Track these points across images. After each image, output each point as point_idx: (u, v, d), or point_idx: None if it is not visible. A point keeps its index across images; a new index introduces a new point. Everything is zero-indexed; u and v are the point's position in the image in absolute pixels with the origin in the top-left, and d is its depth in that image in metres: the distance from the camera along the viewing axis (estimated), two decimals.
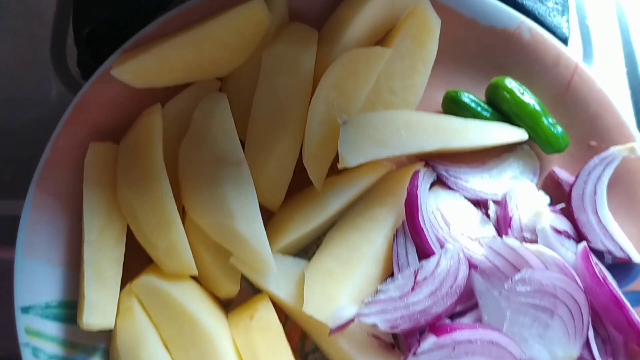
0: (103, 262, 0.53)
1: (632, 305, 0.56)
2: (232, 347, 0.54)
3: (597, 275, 0.55)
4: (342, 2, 0.62)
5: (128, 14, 0.63)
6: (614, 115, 0.61)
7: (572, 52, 0.63)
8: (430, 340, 0.51)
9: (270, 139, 0.58)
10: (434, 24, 0.61)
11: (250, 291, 0.59)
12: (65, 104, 0.59)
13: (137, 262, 0.57)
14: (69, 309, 0.55)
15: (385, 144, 0.56)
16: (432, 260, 0.55)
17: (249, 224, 0.53)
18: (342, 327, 0.53)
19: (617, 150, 0.59)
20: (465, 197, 0.60)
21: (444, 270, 0.54)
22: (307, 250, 0.60)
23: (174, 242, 0.53)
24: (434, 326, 0.53)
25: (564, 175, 0.62)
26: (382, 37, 0.63)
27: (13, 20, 0.72)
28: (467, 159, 0.62)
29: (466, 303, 0.57)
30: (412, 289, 0.53)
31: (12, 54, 0.69)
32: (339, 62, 0.57)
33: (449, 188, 0.61)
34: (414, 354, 0.51)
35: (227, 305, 0.58)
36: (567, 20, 0.70)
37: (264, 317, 0.54)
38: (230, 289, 0.57)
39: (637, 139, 0.60)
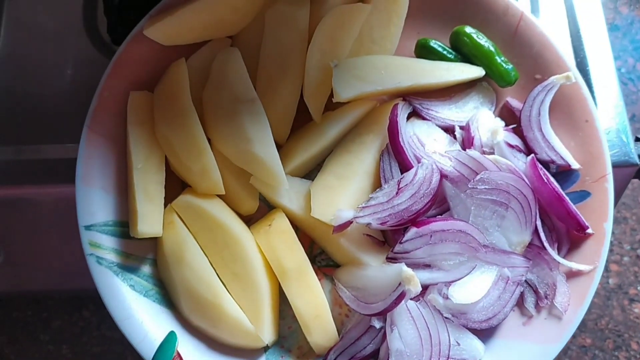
0: (149, 184, 0.66)
1: (573, 203, 0.70)
2: (256, 248, 0.67)
3: (542, 177, 0.69)
4: None
5: None
6: (553, 52, 0.75)
7: (517, 3, 0.77)
8: (412, 231, 0.65)
9: (276, 83, 0.71)
10: None
11: (266, 210, 0.72)
12: (98, 65, 0.72)
13: (172, 193, 0.69)
14: (122, 227, 0.68)
15: (370, 81, 0.70)
16: (411, 172, 0.68)
17: (265, 148, 0.66)
18: (343, 226, 0.67)
19: (555, 79, 0.72)
20: (437, 125, 0.74)
21: (420, 178, 0.67)
22: (310, 174, 0.73)
23: (205, 165, 0.66)
24: (415, 221, 0.67)
25: (516, 103, 0.76)
26: None
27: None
28: (437, 95, 0.76)
29: (440, 208, 0.71)
30: (397, 193, 0.67)
31: (48, 22, 0.83)
32: (328, 17, 0.70)
33: (423, 118, 0.74)
34: (400, 242, 0.65)
35: (248, 222, 0.71)
36: None
37: (280, 224, 0.68)
38: (251, 204, 0.70)
39: (573, 70, 0.74)
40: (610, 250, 1.15)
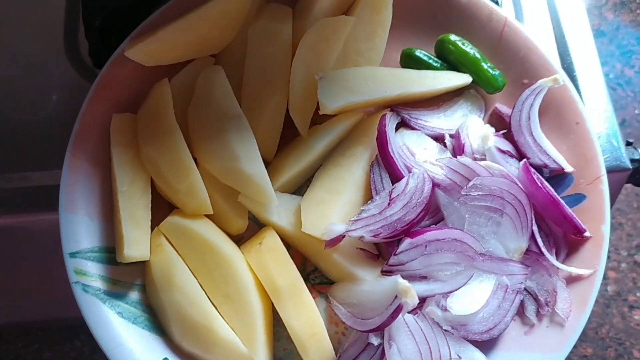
0: (135, 207, 0.64)
1: (569, 207, 0.69)
2: (247, 267, 0.65)
3: (535, 181, 0.68)
4: None
5: (130, 7, 0.75)
6: (539, 56, 0.74)
7: (501, 9, 0.77)
8: (406, 242, 0.64)
9: (261, 99, 0.70)
10: None
11: (256, 228, 0.70)
12: (81, 89, 0.71)
13: (159, 215, 0.68)
14: (108, 253, 0.66)
15: (356, 91, 0.69)
16: (403, 182, 0.67)
17: (252, 164, 0.65)
18: (335, 241, 0.65)
19: (543, 82, 0.72)
20: (426, 134, 0.73)
21: (412, 188, 0.66)
22: (300, 190, 0.72)
23: (192, 184, 0.64)
24: (409, 231, 0.65)
25: (505, 109, 0.75)
26: (345, 9, 0.75)
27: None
28: (425, 104, 0.75)
29: (433, 218, 0.69)
30: (388, 204, 0.66)
31: (30, 48, 0.82)
32: (312, 30, 0.70)
33: (412, 128, 0.73)
34: (395, 254, 0.64)
35: (238, 242, 0.69)
36: None
37: (271, 242, 0.66)
38: (240, 224, 0.68)
39: (560, 72, 0.73)
40: (607, 257, 1.13)
